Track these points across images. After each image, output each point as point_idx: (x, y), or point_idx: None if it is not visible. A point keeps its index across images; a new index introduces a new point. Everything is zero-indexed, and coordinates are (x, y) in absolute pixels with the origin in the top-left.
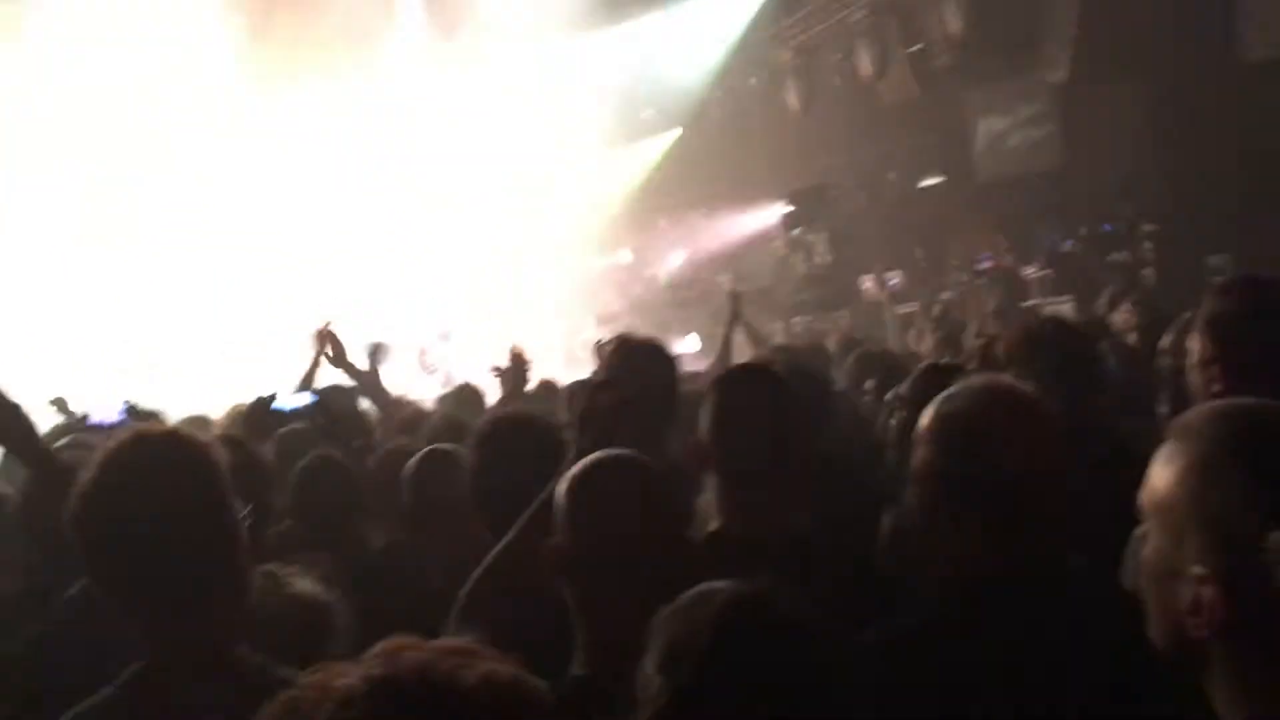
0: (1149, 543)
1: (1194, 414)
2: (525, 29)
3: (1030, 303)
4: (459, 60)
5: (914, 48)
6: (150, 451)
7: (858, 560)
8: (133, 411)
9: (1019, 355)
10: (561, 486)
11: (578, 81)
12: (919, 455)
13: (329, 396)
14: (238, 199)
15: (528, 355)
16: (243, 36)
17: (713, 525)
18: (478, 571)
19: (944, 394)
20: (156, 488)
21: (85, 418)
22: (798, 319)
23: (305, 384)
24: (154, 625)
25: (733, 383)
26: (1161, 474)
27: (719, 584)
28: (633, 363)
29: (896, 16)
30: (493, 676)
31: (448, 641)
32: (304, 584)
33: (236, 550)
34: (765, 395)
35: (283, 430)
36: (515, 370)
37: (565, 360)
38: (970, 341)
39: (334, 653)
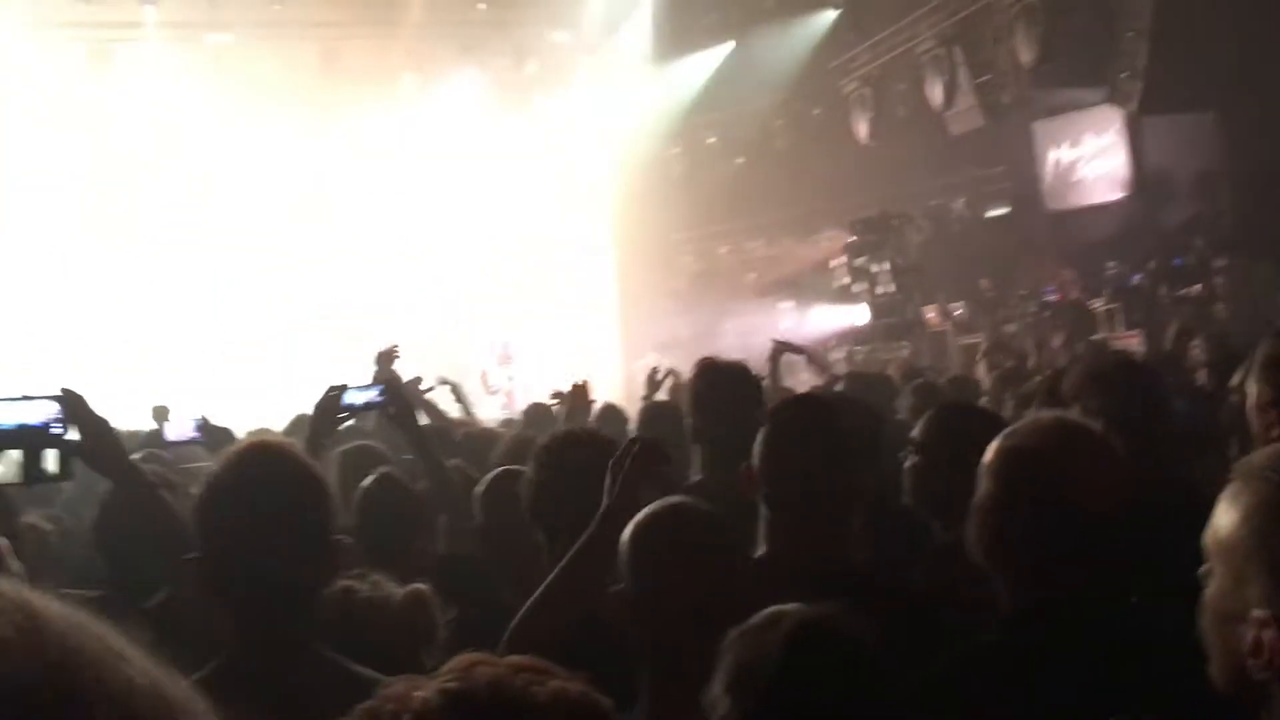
0: (1212, 584)
1: (1258, 456)
2: (595, 62)
3: (1098, 336)
4: (528, 85)
5: (982, 78)
6: (271, 461)
7: (909, 592)
8: (205, 427)
9: (1084, 392)
10: (625, 535)
11: (641, 110)
12: (981, 489)
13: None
14: (311, 213)
15: (590, 384)
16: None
17: (759, 551)
18: (529, 603)
19: (1009, 429)
20: (274, 495)
21: (161, 433)
22: (860, 349)
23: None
24: (251, 623)
25: (784, 412)
26: (1225, 516)
27: (787, 607)
28: (717, 386)
29: (965, 47)
30: (563, 694)
31: (519, 659)
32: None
33: (334, 559)
34: (816, 426)
35: (346, 447)
36: (578, 394)
37: (625, 385)
38: (1033, 376)
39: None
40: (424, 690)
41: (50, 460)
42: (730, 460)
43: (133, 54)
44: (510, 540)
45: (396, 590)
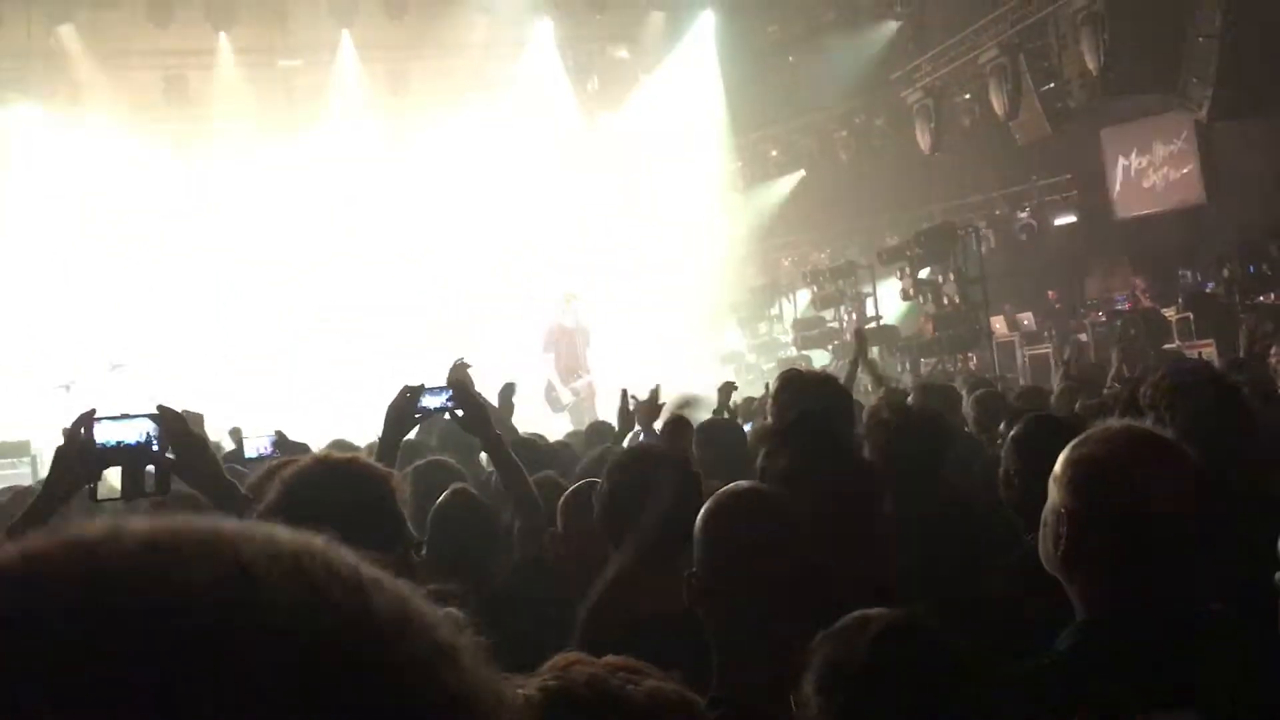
0: None
1: None
2: (656, 77)
3: (1170, 346)
4: (591, 101)
5: (1047, 86)
6: (333, 475)
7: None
8: (281, 442)
9: (1161, 402)
10: (698, 520)
11: (702, 125)
12: (1051, 497)
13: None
14: (381, 231)
15: (659, 395)
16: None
17: None
18: (593, 594)
19: (1078, 438)
20: (336, 509)
21: (239, 450)
22: (925, 360)
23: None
24: None
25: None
26: None
27: (873, 611)
28: (802, 395)
29: (1029, 55)
30: (659, 692)
31: (617, 659)
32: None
33: (403, 575)
34: (827, 449)
35: (419, 463)
36: (648, 406)
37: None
38: (1109, 386)
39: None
40: (525, 688)
41: (148, 477)
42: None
43: (206, 80)
44: (586, 550)
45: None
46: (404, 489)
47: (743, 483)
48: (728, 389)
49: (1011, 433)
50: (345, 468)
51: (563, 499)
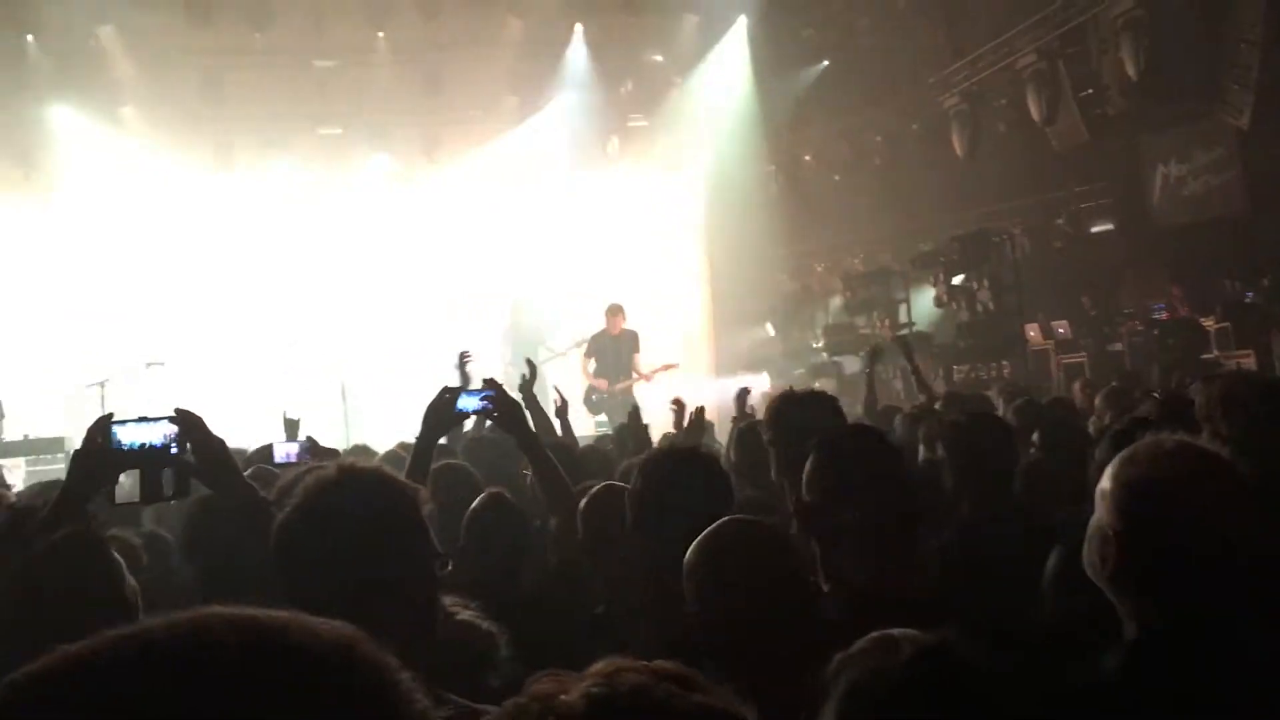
0: None
1: None
2: (690, 81)
3: (1209, 355)
4: (624, 105)
5: (1085, 92)
6: (356, 486)
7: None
8: (313, 448)
9: (1216, 414)
10: (688, 555)
11: (736, 129)
12: (1099, 513)
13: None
14: (414, 233)
15: (685, 402)
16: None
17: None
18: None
19: (1124, 454)
20: (359, 520)
21: (269, 452)
22: (958, 367)
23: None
24: None
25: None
26: None
27: (894, 632)
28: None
29: (1067, 61)
30: (705, 707)
31: (665, 665)
32: (468, 614)
33: (427, 587)
34: (865, 453)
35: (436, 465)
36: (677, 414)
37: (716, 402)
38: (1150, 394)
39: (494, 682)
40: (570, 694)
41: (167, 480)
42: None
43: (242, 79)
44: (609, 552)
45: (455, 612)
46: (429, 500)
47: (735, 516)
48: (743, 395)
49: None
50: (368, 478)
51: (583, 503)
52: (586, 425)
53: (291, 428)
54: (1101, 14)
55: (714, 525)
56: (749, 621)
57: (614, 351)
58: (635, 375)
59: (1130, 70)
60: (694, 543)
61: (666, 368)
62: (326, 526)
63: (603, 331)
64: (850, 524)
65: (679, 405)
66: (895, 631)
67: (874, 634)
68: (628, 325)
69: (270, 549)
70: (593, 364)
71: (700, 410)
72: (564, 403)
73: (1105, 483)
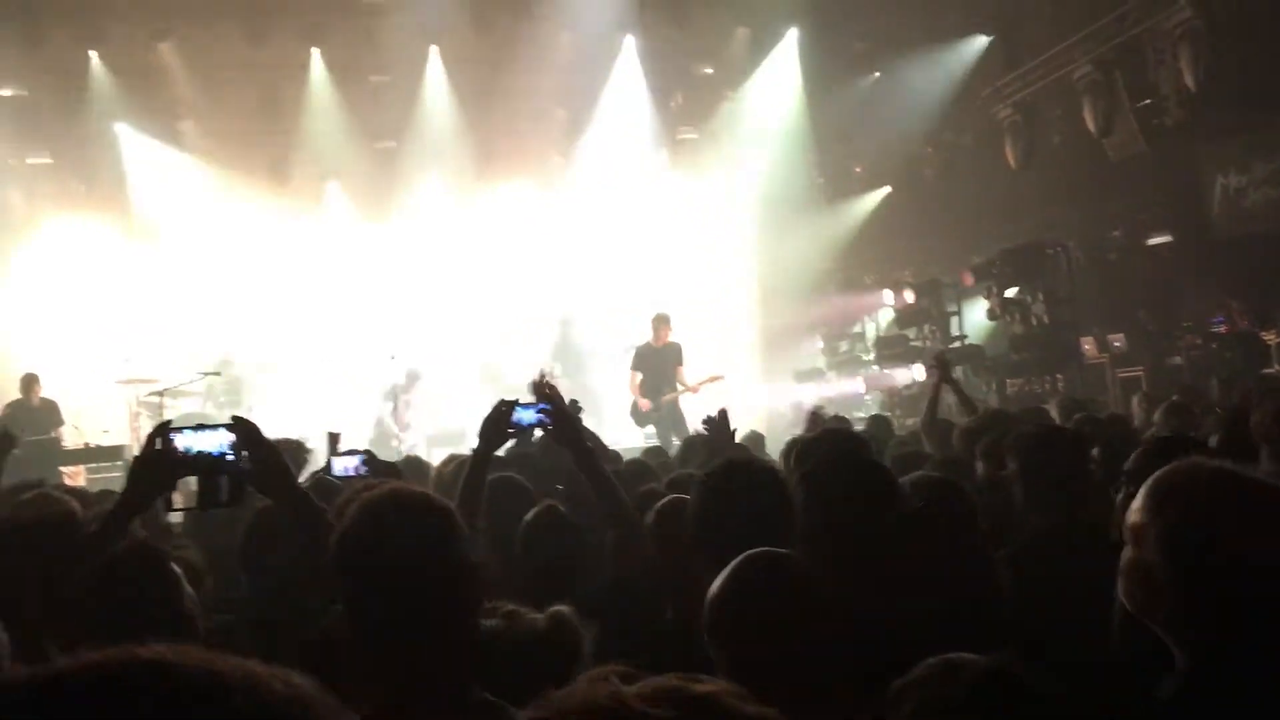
0: None
1: None
2: (741, 94)
3: (1270, 370)
4: (674, 118)
5: (1142, 103)
6: (407, 507)
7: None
8: (371, 462)
9: (1273, 432)
10: (710, 594)
11: (786, 141)
12: (1144, 556)
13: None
14: (466, 247)
15: (729, 416)
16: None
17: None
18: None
19: (1160, 486)
20: (409, 540)
21: (328, 466)
22: (1011, 381)
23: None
24: (400, 669)
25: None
26: None
27: (953, 657)
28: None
29: (1124, 71)
30: (766, 717)
31: (660, 683)
32: (542, 617)
33: (472, 602)
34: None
35: (492, 477)
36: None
37: (767, 414)
38: (1209, 412)
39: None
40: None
41: (224, 487)
42: None
43: (299, 95)
44: (676, 565)
45: (536, 615)
46: (465, 523)
47: (761, 550)
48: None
49: None
50: (411, 503)
51: (654, 511)
52: (635, 437)
53: (333, 441)
54: (1159, 24)
55: (736, 562)
56: (765, 663)
57: (658, 364)
58: (680, 387)
59: (1189, 80)
60: (717, 579)
61: (712, 379)
62: (373, 548)
63: (647, 344)
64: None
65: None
66: (954, 656)
67: (933, 660)
68: (673, 338)
69: (329, 560)
70: (639, 377)
71: (723, 413)
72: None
73: (1140, 516)
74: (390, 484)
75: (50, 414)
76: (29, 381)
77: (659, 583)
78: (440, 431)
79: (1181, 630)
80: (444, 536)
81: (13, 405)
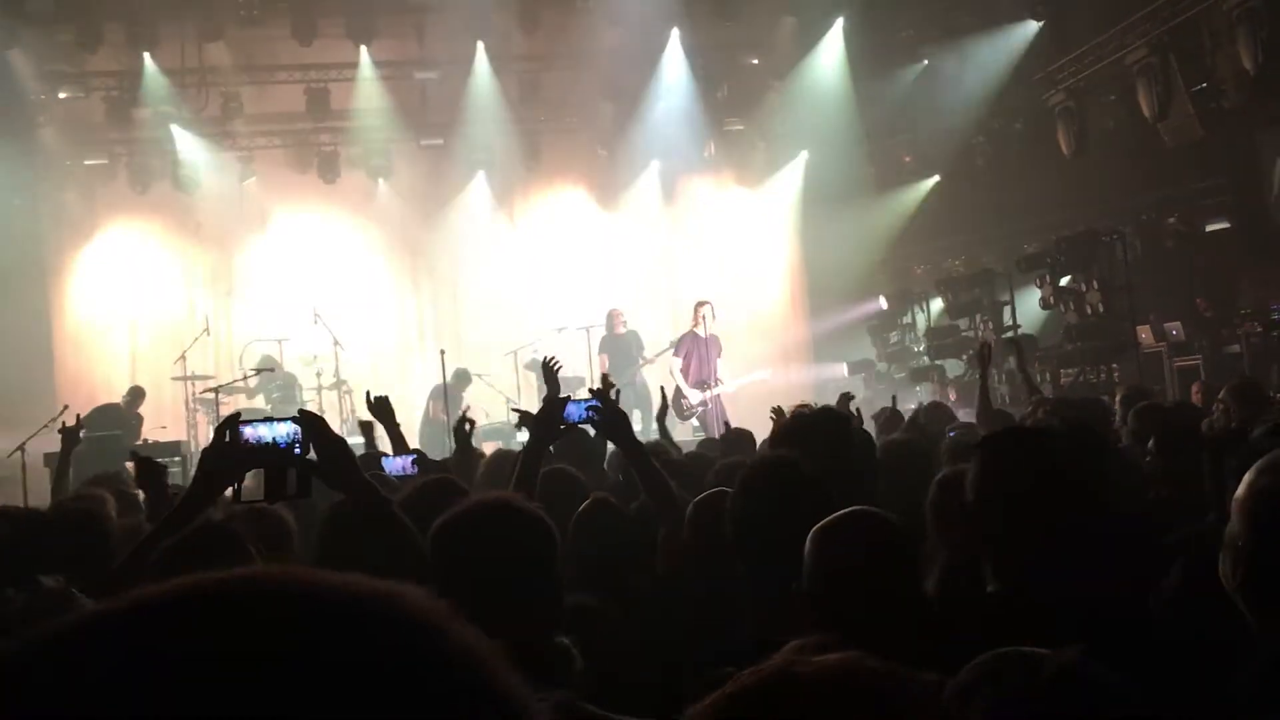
0: None
1: None
2: (787, 84)
3: None
4: (719, 109)
5: (1199, 87)
6: (503, 512)
7: (1134, 625)
8: (422, 461)
9: None
10: (809, 538)
11: (835, 131)
12: (1231, 526)
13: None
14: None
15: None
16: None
17: (990, 587)
18: None
19: (1261, 462)
20: (502, 541)
21: (378, 461)
22: (1065, 370)
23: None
24: None
25: (998, 447)
26: None
27: (1027, 650)
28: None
29: (1179, 54)
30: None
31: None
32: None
33: (556, 602)
34: (1033, 460)
35: (545, 470)
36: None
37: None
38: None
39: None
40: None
41: (291, 479)
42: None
43: (347, 92)
44: (716, 559)
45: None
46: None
47: (855, 507)
48: (845, 399)
49: None
50: (507, 517)
51: (691, 507)
52: (683, 430)
53: (367, 430)
54: (1215, 5)
55: (839, 512)
56: (859, 605)
57: (701, 355)
58: (718, 381)
59: (1247, 63)
60: (818, 525)
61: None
62: (483, 541)
63: (691, 332)
64: (1000, 528)
65: (779, 415)
66: (1028, 650)
67: (1005, 650)
68: (714, 330)
69: (428, 549)
70: (681, 366)
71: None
72: (664, 406)
73: (1241, 490)
74: (501, 494)
75: (135, 426)
76: (135, 393)
77: (697, 575)
78: (488, 425)
79: (1256, 605)
80: (535, 540)
81: (104, 408)
